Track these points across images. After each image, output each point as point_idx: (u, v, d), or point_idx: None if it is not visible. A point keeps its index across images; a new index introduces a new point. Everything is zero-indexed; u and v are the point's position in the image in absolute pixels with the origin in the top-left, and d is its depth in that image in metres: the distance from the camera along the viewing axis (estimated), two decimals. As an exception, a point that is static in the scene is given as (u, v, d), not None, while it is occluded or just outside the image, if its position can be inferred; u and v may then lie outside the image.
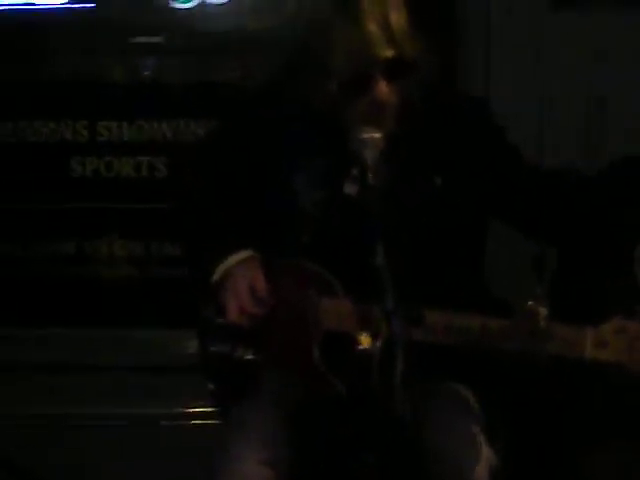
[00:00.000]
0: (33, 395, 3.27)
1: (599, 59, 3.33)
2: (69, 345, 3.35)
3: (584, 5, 3.33)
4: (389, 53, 2.09)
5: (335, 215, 2.19)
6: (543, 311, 1.95)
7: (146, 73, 3.35)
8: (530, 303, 1.96)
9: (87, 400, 3.29)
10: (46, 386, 3.28)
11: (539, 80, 3.34)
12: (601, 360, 1.90)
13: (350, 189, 2.15)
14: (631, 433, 2.98)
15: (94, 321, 3.40)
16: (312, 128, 2.21)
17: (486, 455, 2.06)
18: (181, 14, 3.33)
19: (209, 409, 2.93)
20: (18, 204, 3.39)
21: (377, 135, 2.07)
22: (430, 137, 2.20)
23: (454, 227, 2.18)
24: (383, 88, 2.11)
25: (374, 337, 2.02)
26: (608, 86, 3.33)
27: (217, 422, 2.34)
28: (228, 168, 2.30)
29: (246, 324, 2.18)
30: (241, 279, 2.18)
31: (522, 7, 3.33)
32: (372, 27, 2.08)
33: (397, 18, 2.10)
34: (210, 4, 3.34)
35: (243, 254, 2.20)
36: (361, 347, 2.05)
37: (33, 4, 3.29)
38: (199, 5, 3.33)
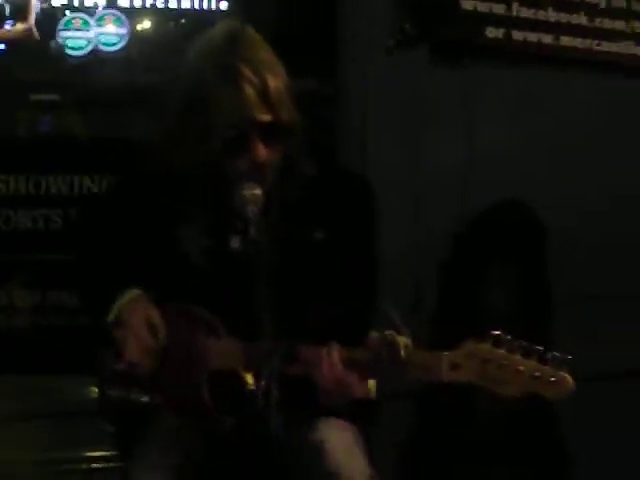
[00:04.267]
0: None
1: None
2: None
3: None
4: (265, 117, 2.15)
5: (220, 265, 2.24)
6: (402, 340, 2.02)
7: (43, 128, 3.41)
8: (388, 333, 2.04)
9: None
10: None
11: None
12: (456, 381, 1.96)
13: (235, 243, 2.23)
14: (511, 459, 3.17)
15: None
16: (198, 184, 2.25)
17: (364, 464, 2.15)
18: (75, 68, 3.38)
19: (109, 453, 3.01)
20: None
21: (257, 191, 2.14)
22: (310, 198, 2.25)
23: (334, 277, 2.22)
24: (260, 149, 2.16)
25: (257, 376, 2.10)
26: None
27: (117, 465, 2.37)
28: (121, 220, 2.34)
29: (144, 362, 2.21)
30: (136, 314, 2.22)
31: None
32: (250, 91, 2.13)
33: (275, 83, 2.15)
34: (102, 52, 3.40)
35: (134, 292, 2.25)
36: (247, 386, 2.13)
37: None
38: (92, 53, 3.38)
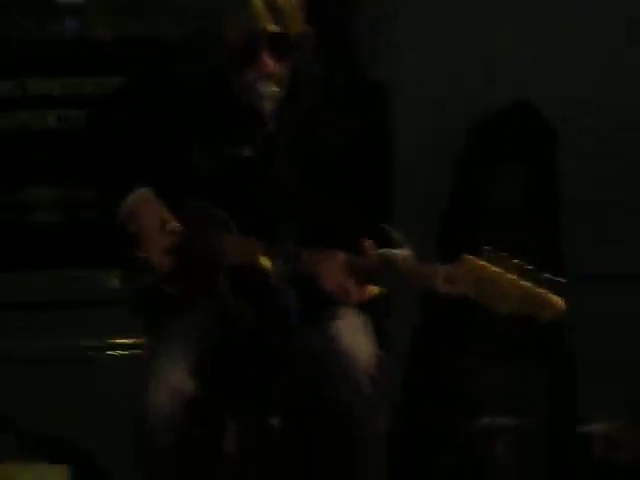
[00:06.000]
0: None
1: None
2: (8, 286, 3.44)
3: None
4: (272, 28, 2.17)
5: (233, 173, 2.28)
6: (401, 253, 2.09)
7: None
8: (387, 249, 2.11)
9: (29, 335, 3.37)
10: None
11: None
12: (451, 294, 2.02)
13: (248, 151, 2.26)
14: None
15: (27, 263, 3.48)
16: (209, 91, 2.28)
17: (372, 348, 2.23)
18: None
19: (134, 340, 3.24)
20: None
21: (275, 89, 2.19)
22: (324, 104, 2.28)
23: (350, 182, 2.28)
24: (268, 60, 2.18)
25: (273, 261, 2.17)
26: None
27: (141, 352, 2.46)
28: (135, 119, 2.37)
29: (161, 258, 2.28)
30: (147, 211, 2.29)
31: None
32: (257, 2, 2.15)
33: None
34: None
35: (143, 190, 2.30)
36: (265, 276, 2.18)
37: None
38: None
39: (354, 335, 2.24)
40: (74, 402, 3.31)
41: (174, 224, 2.30)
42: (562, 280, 1.93)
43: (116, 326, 3.29)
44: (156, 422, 2.15)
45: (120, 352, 3.40)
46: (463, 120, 3.42)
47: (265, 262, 2.16)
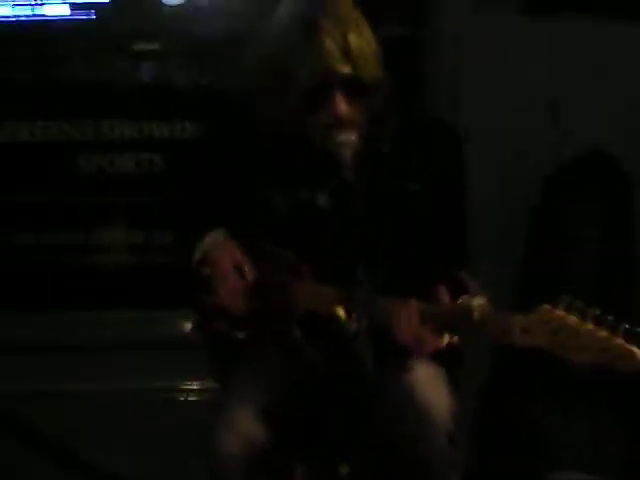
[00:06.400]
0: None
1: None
2: (84, 326, 3.50)
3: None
4: (346, 69, 2.13)
5: (308, 220, 2.27)
6: (477, 301, 2.04)
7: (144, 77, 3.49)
8: (462, 297, 2.06)
9: (96, 376, 3.42)
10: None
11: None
12: (527, 345, 1.97)
13: (322, 200, 2.26)
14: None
15: (102, 304, 3.53)
16: (286, 138, 2.25)
17: (449, 400, 2.21)
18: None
19: (204, 385, 3.26)
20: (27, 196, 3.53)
21: (352, 137, 2.15)
22: (400, 150, 2.26)
23: (426, 229, 2.26)
24: (341, 103, 2.14)
25: (349, 312, 2.14)
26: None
27: (212, 397, 2.51)
28: (217, 168, 2.38)
29: (235, 303, 2.28)
30: (222, 254, 2.28)
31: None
32: (330, 45, 2.11)
33: (357, 40, 2.13)
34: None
35: (219, 232, 2.31)
36: (339, 320, 2.15)
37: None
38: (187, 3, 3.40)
39: (430, 387, 2.23)
40: (144, 445, 3.33)
41: (249, 269, 2.30)
42: (640, 330, 1.88)
43: (189, 369, 3.31)
44: (227, 472, 2.17)
45: (192, 396, 3.44)
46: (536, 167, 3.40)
47: (340, 311, 2.15)
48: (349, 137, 2.16)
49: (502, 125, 3.43)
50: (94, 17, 3.43)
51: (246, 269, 2.29)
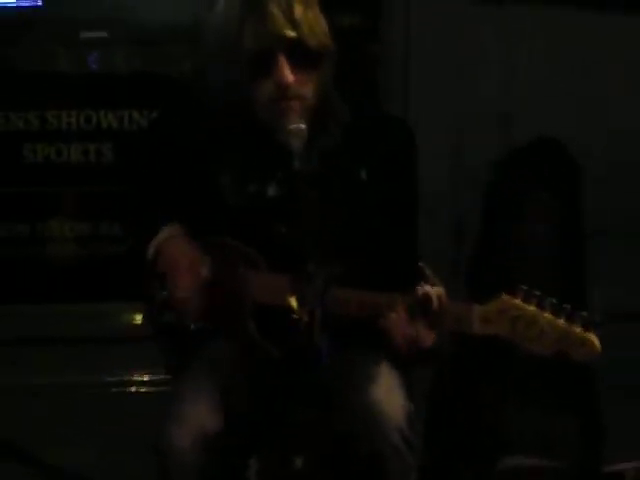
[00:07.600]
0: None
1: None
2: (31, 320, 3.46)
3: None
4: (290, 33, 2.11)
5: (259, 210, 2.26)
6: (436, 290, 2.03)
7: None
8: (419, 286, 2.04)
9: (48, 370, 3.39)
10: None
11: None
12: (486, 334, 1.98)
13: (273, 191, 2.25)
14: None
15: (50, 297, 3.50)
16: (236, 126, 2.25)
17: (403, 400, 2.17)
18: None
19: (158, 377, 3.20)
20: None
21: (303, 126, 2.12)
22: (350, 141, 2.25)
23: (375, 219, 2.24)
24: (286, 69, 2.12)
25: (301, 302, 2.07)
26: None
27: (165, 389, 2.41)
28: (163, 157, 2.35)
29: (189, 298, 2.25)
30: (176, 249, 2.26)
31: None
32: (274, 10, 2.09)
33: (302, 7, 2.12)
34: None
35: (173, 227, 2.29)
36: (292, 313, 2.07)
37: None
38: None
39: (385, 385, 2.18)
40: (96, 438, 3.31)
41: (203, 263, 2.28)
42: (596, 319, 1.93)
43: (139, 362, 3.31)
44: (178, 466, 2.13)
45: (143, 389, 3.43)
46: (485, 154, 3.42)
47: (292, 302, 2.09)
48: (299, 126, 2.13)
49: (453, 114, 3.44)
50: (40, 4, 3.41)
51: (200, 264, 2.27)
